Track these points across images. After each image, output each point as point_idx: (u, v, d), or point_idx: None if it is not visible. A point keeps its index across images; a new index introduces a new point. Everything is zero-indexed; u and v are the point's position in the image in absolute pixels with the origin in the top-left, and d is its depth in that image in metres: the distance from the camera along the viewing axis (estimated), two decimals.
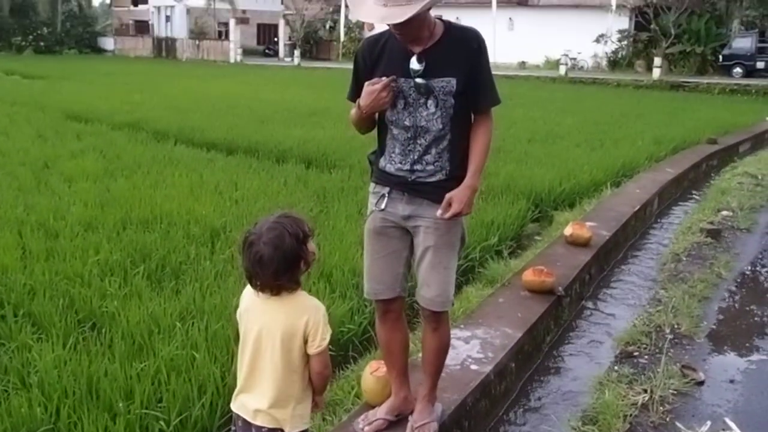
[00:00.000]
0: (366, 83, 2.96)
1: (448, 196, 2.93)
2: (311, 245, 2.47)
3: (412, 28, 2.80)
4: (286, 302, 2.45)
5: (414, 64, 2.92)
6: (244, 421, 2.52)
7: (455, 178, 3.01)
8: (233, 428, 2.62)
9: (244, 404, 2.52)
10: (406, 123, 3.01)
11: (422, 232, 3.05)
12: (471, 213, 3.06)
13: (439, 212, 2.93)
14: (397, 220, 3.09)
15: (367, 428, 3.27)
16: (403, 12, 2.70)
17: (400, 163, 3.06)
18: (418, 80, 2.94)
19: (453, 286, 3.18)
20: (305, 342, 2.45)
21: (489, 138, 3.06)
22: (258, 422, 2.48)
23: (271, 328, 2.44)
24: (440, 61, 2.92)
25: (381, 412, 3.33)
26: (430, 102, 2.97)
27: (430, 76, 2.93)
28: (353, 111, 3.10)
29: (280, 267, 2.36)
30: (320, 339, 2.44)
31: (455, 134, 3.02)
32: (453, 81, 2.93)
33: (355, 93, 3.14)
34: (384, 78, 2.93)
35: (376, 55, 3.02)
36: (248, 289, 2.51)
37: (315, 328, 2.43)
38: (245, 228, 2.53)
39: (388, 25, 2.83)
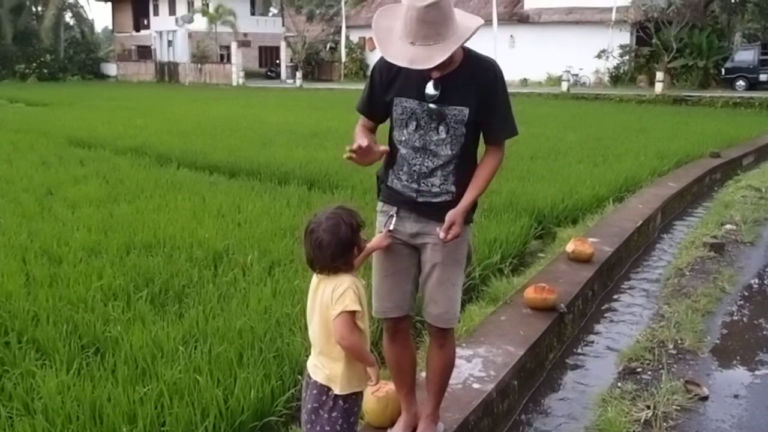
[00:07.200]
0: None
1: (450, 215, 2.95)
2: (363, 234, 2.76)
3: None
4: (335, 279, 2.70)
5: (430, 89, 2.93)
6: (309, 377, 2.81)
7: (461, 200, 3.03)
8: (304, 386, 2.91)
9: (309, 364, 2.84)
10: (416, 144, 3.03)
11: (430, 249, 3.08)
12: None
13: (441, 235, 2.94)
14: (405, 238, 3.12)
15: None
16: (431, 57, 2.72)
17: (407, 181, 3.09)
18: (432, 106, 2.94)
19: (459, 303, 3.22)
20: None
21: (496, 167, 3.10)
22: (313, 377, 2.77)
23: (320, 301, 2.72)
24: (456, 90, 2.93)
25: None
26: (441, 128, 2.98)
27: (445, 103, 2.94)
28: (358, 127, 3.13)
29: (336, 251, 2.65)
30: (339, 304, 2.63)
31: (463, 160, 3.05)
32: (466, 110, 2.95)
33: (365, 106, 3.16)
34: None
35: (393, 74, 3.01)
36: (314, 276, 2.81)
37: (338, 294, 2.64)
38: (307, 218, 2.83)
39: None
